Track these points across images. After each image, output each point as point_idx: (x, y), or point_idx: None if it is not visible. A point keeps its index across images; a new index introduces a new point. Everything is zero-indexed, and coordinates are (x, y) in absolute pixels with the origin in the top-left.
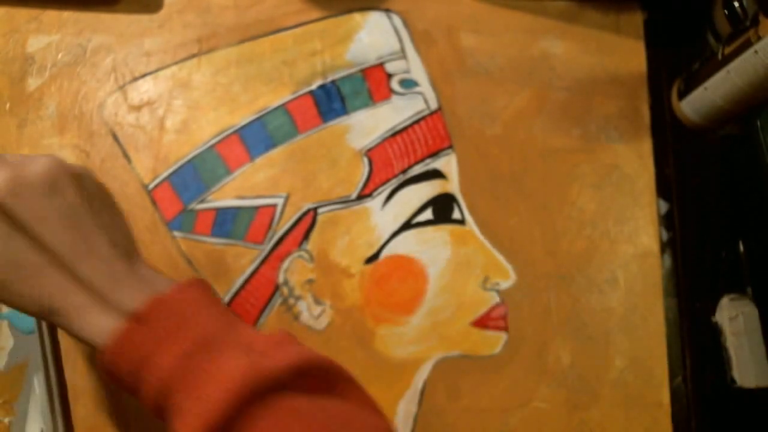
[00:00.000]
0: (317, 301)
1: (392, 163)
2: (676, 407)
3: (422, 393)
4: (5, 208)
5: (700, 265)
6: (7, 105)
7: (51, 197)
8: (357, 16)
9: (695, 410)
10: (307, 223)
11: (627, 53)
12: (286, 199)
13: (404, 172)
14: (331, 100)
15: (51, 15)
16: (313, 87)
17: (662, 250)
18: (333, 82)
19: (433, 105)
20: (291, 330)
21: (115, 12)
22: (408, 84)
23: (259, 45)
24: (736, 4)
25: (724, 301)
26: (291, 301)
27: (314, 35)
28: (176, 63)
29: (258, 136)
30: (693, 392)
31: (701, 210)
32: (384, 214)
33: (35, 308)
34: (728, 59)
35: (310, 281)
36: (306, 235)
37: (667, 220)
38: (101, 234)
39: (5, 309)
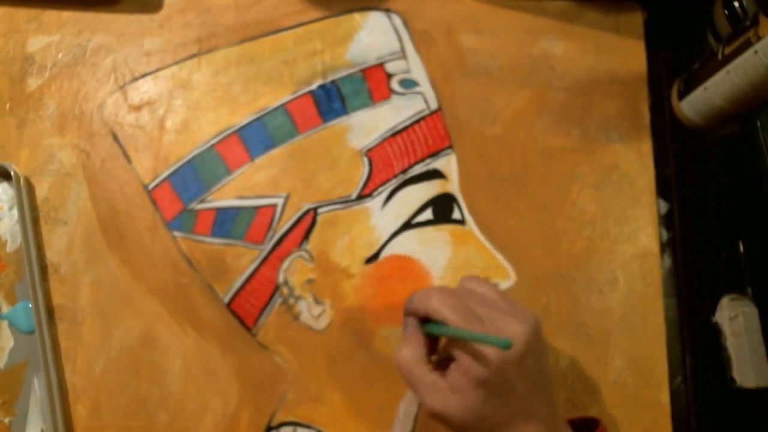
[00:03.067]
0: (317, 301)
1: (392, 163)
2: (676, 407)
3: None
4: (492, 379)
5: (700, 265)
6: (7, 105)
7: (537, 359)
8: (357, 16)
9: (695, 410)
10: (307, 223)
11: (627, 53)
12: (286, 199)
13: (404, 172)
14: (331, 100)
15: (51, 15)
16: (313, 87)
17: (662, 250)
18: (333, 82)
19: (433, 105)
20: (291, 330)
21: (115, 12)
22: (408, 84)
23: (259, 45)
24: (736, 4)
25: (724, 301)
26: (291, 301)
27: (314, 35)
28: (176, 63)
29: (258, 136)
30: (693, 392)
31: (701, 210)
32: (384, 214)
33: None
34: (728, 59)
35: (310, 281)
36: (306, 235)
37: (667, 220)
38: (552, 393)
39: (5, 309)
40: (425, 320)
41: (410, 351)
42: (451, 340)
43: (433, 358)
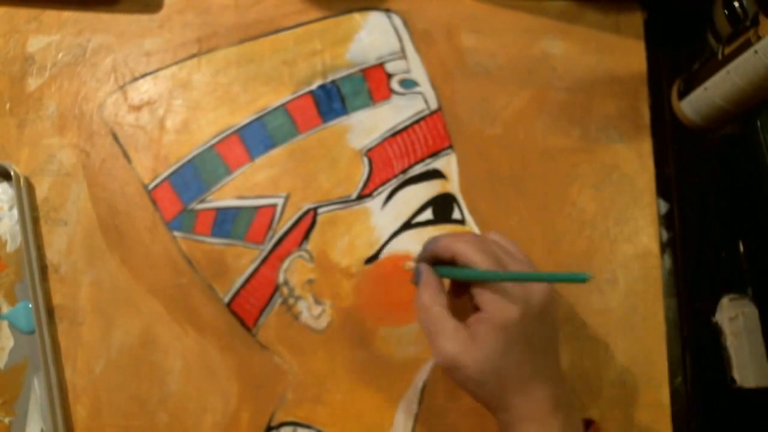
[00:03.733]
0: (317, 301)
1: (392, 163)
2: (676, 407)
3: (422, 393)
4: (514, 328)
5: (700, 265)
6: (7, 105)
7: (552, 317)
8: (357, 16)
9: (695, 410)
10: (307, 223)
11: (627, 53)
12: (286, 199)
13: (404, 172)
14: (331, 100)
15: (51, 15)
16: (313, 87)
17: (662, 250)
18: (333, 82)
19: (433, 105)
20: (291, 330)
21: (115, 12)
22: (408, 84)
23: (259, 45)
24: (736, 4)
25: (724, 301)
26: (291, 301)
27: (314, 35)
28: (176, 63)
29: (258, 136)
30: (693, 392)
31: (701, 210)
32: (384, 214)
33: (490, 400)
34: (728, 59)
35: (310, 281)
36: (306, 235)
37: (667, 220)
38: (557, 360)
39: (5, 309)
40: (439, 266)
41: (430, 295)
42: (473, 287)
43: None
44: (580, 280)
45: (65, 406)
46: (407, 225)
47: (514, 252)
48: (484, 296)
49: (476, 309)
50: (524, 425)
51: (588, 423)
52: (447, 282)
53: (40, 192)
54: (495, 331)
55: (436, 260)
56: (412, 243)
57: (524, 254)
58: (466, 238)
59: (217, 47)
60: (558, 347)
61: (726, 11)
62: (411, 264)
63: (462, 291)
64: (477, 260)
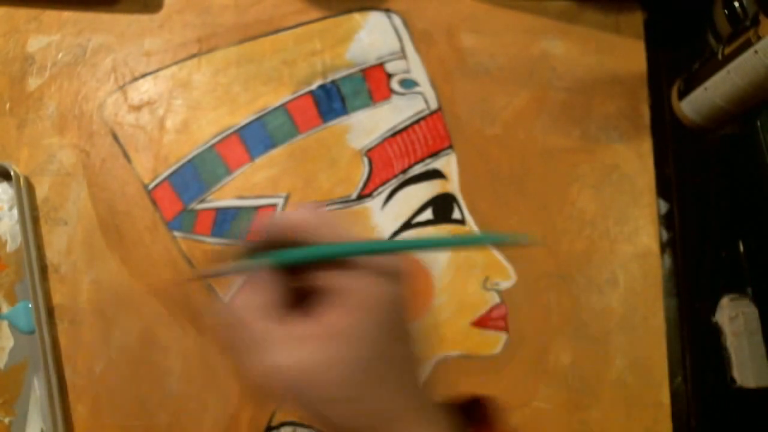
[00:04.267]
0: None
1: (392, 163)
2: (676, 407)
3: None
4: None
5: (700, 265)
6: (7, 105)
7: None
8: (357, 16)
9: (695, 410)
10: None
11: (627, 53)
12: (286, 199)
13: (404, 172)
14: (331, 100)
15: (51, 15)
16: (313, 87)
17: (662, 250)
18: (333, 82)
19: (433, 105)
20: None
21: (115, 12)
22: (408, 84)
23: (259, 45)
24: (736, 4)
25: (724, 301)
26: None
27: (314, 35)
28: (176, 63)
29: (258, 136)
30: (693, 392)
31: (701, 210)
32: (384, 214)
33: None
34: (728, 59)
35: None
36: None
37: (667, 220)
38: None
39: (5, 309)
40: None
41: (254, 297)
42: (316, 271)
43: None
44: (519, 241)
45: (65, 406)
46: (407, 225)
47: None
48: (347, 277)
49: (300, 305)
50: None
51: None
52: None
53: (40, 192)
54: (368, 316)
55: (263, 248)
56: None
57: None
58: (303, 208)
59: (217, 47)
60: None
61: (726, 11)
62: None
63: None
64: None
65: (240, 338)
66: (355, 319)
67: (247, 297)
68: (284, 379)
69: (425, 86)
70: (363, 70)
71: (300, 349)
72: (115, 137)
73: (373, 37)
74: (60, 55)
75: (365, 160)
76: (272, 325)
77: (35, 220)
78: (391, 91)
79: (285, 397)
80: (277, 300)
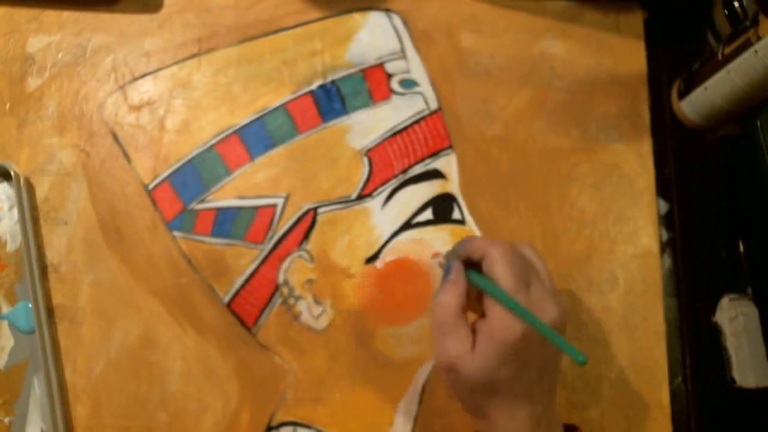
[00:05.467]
0: (317, 301)
1: (392, 163)
2: (676, 407)
3: (422, 393)
4: (512, 347)
5: (700, 265)
6: (7, 105)
7: (541, 348)
8: (357, 16)
9: (695, 410)
10: (307, 223)
11: (627, 53)
12: (286, 199)
13: (404, 172)
14: (331, 100)
15: (51, 15)
16: (313, 87)
17: (662, 250)
18: (333, 82)
19: (433, 105)
20: (291, 330)
21: (115, 12)
22: (408, 84)
23: (259, 45)
24: (736, 4)
25: (724, 301)
26: (291, 301)
27: (314, 35)
28: (176, 63)
29: (258, 136)
30: (693, 392)
31: (701, 210)
32: (384, 214)
33: (476, 407)
34: (728, 59)
35: (310, 281)
36: (306, 235)
37: (667, 220)
38: (553, 385)
39: (5, 309)
40: (470, 270)
41: (452, 298)
42: (486, 296)
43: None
44: (577, 359)
45: (65, 406)
46: (407, 225)
47: (541, 273)
48: (493, 309)
49: (483, 316)
50: None
51: (570, 428)
52: None
53: (40, 192)
54: (493, 345)
55: (466, 261)
56: (413, 243)
57: (549, 276)
58: (500, 246)
59: (217, 47)
60: (557, 371)
61: (726, 11)
62: (441, 260)
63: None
64: (500, 273)
65: (438, 320)
66: (489, 346)
67: (452, 293)
68: (446, 363)
69: (425, 86)
70: (363, 70)
71: (461, 349)
72: (115, 137)
73: (373, 37)
74: (60, 55)
75: (365, 160)
76: (458, 322)
77: (35, 220)
78: (391, 91)
79: (445, 372)
80: (465, 302)
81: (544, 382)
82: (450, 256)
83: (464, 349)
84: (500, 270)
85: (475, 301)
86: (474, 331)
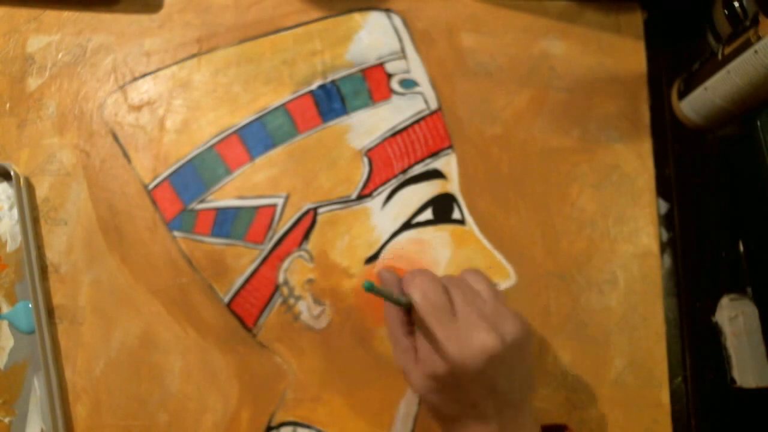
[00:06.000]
0: (317, 301)
1: (392, 163)
2: (676, 407)
3: None
4: (444, 377)
5: (700, 265)
6: (7, 105)
7: (506, 371)
8: (357, 16)
9: (695, 410)
10: (307, 223)
11: (627, 53)
12: (286, 199)
13: (404, 172)
14: (331, 100)
15: (51, 15)
16: (313, 87)
17: (662, 250)
18: (333, 82)
19: (433, 105)
20: (291, 330)
21: (115, 12)
22: (408, 84)
23: (259, 45)
24: (736, 4)
25: (724, 301)
26: (291, 300)
27: (314, 35)
28: (176, 63)
29: (258, 136)
30: (693, 392)
31: (701, 210)
32: (384, 214)
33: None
34: (728, 59)
35: (310, 281)
36: (306, 235)
37: (667, 220)
38: (502, 402)
39: (5, 309)
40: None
41: (390, 312)
42: (416, 326)
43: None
44: (402, 302)
45: (65, 406)
46: (407, 225)
47: (483, 298)
48: (420, 341)
49: None
50: None
51: (556, 428)
52: None
53: (40, 192)
54: (423, 373)
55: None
56: (412, 243)
57: (497, 299)
58: (423, 277)
59: (217, 47)
60: (517, 390)
61: (726, 11)
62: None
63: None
64: (417, 302)
65: (389, 332)
66: (421, 376)
67: (394, 310)
68: (401, 370)
69: (425, 86)
70: (363, 70)
71: (407, 361)
72: (115, 137)
73: (373, 37)
74: (60, 55)
75: (365, 160)
76: (401, 335)
77: (35, 220)
78: (391, 91)
79: (418, 389)
80: (403, 318)
81: (489, 404)
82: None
83: (409, 362)
84: (416, 299)
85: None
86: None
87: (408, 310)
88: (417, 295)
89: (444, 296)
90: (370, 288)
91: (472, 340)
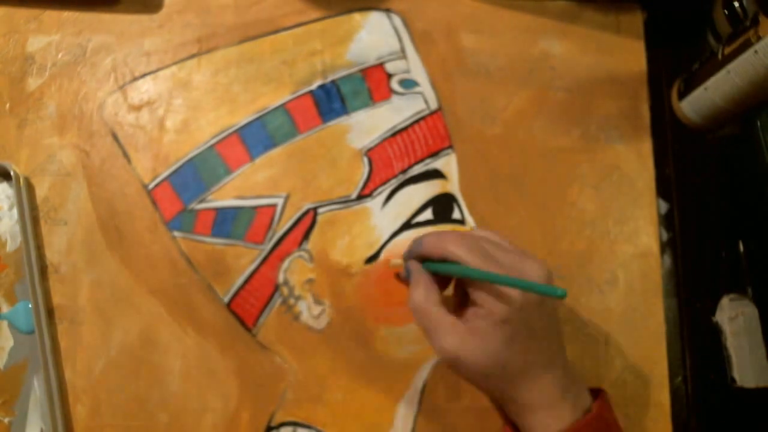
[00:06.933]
0: (317, 301)
1: (392, 163)
2: (676, 407)
3: (422, 393)
4: (515, 321)
5: (700, 265)
6: (7, 105)
7: (541, 309)
8: (357, 16)
9: (695, 410)
10: (307, 223)
11: (627, 53)
12: (286, 199)
13: (404, 172)
14: (331, 100)
15: (51, 15)
16: (313, 87)
17: (662, 250)
18: (333, 82)
19: (433, 105)
20: (291, 330)
21: (115, 12)
22: (408, 84)
23: (259, 45)
24: (736, 4)
25: (724, 301)
26: (291, 300)
27: (314, 35)
28: (176, 63)
29: (258, 136)
30: (693, 392)
31: (701, 210)
32: (384, 214)
33: (495, 392)
34: (728, 59)
35: (310, 281)
36: (306, 235)
37: (667, 220)
38: (561, 343)
39: (5, 309)
40: (427, 263)
41: (423, 293)
42: (467, 283)
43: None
44: (557, 294)
45: (65, 406)
46: (407, 225)
47: (504, 245)
48: (480, 292)
49: (464, 302)
50: (534, 414)
51: (596, 392)
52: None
53: (40, 192)
54: (496, 325)
55: (424, 257)
56: None
57: (515, 246)
58: (453, 236)
59: (217, 47)
60: (560, 331)
61: (726, 11)
62: (397, 261)
63: (446, 284)
64: (466, 258)
65: (422, 322)
66: (492, 328)
67: (422, 292)
68: (449, 358)
69: (425, 86)
70: (363, 70)
71: (458, 340)
72: (115, 137)
73: (373, 37)
74: (60, 55)
75: (365, 160)
76: (440, 315)
77: (35, 220)
78: (391, 91)
79: (452, 368)
80: (438, 295)
81: (553, 346)
82: (406, 257)
83: (460, 341)
84: (463, 256)
85: (454, 296)
86: (466, 319)
87: (441, 281)
88: (461, 250)
89: (481, 245)
90: (427, 267)
91: (527, 272)
